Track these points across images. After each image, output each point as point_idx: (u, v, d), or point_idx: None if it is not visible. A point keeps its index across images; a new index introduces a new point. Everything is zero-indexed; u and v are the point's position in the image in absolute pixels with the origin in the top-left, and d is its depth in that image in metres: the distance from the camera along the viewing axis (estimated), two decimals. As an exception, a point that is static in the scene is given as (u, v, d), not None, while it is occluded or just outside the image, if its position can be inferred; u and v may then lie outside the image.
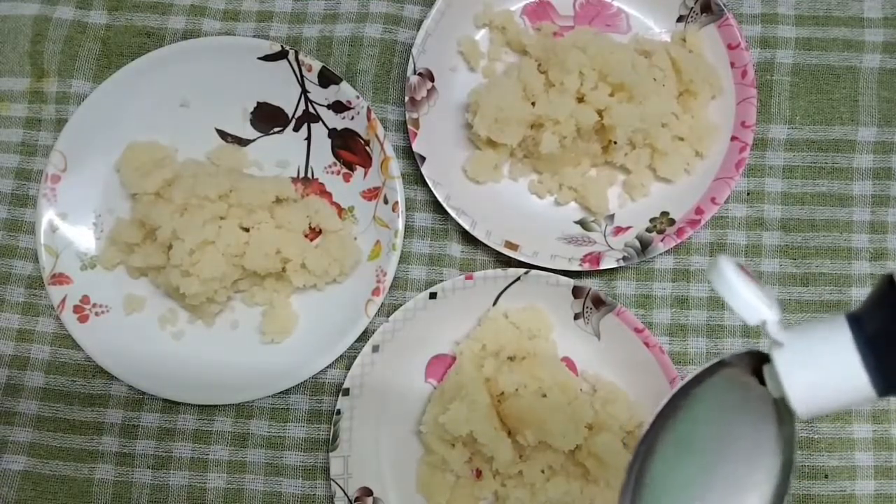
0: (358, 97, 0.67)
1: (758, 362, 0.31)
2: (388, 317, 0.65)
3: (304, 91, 0.69)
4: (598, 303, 0.64)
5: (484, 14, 0.71)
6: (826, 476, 0.65)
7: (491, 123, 0.65)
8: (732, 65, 0.68)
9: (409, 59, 0.67)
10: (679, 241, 0.65)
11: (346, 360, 0.67)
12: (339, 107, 0.68)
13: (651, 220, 0.68)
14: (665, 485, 0.31)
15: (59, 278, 0.66)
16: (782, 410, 0.29)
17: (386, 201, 0.67)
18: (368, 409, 0.64)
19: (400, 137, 0.70)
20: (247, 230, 0.65)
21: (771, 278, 0.68)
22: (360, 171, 0.69)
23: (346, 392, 0.64)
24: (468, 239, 0.68)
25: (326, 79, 0.67)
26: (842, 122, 0.70)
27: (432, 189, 0.65)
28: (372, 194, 0.68)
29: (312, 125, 0.70)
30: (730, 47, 0.68)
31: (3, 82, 0.72)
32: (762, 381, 0.30)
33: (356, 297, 0.66)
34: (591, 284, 0.66)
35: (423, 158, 0.66)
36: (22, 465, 0.66)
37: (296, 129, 0.70)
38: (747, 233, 0.69)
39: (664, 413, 0.32)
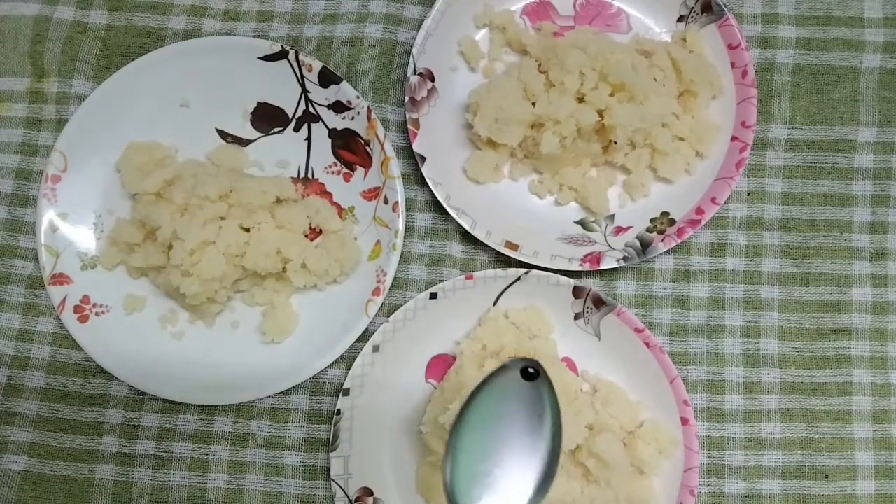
0: (358, 97, 0.67)
1: (526, 366, 0.44)
2: (388, 317, 0.65)
3: (305, 91, 0.69)
4: (599, 303, 0.64)
5: (484, 14, 0.71)
6: (826, 476, 0.65)
7: (491, 123, 0.65)
8: (733, 65, 0.68)
9: (409, 59, 0.67)
10: (679, 241, 0.65)
11: (347, 360, 0.67)
12: (339, 107, 0.68)
13: (651, 220, 0.68)
14: (471, 453, 0.42)
15: (59, 278, 0.66)
16: (542, 390, 0.43)
17: (386, 201, 0.67)
18: (369, 410, 0.64)
19: (400, 137, 0.70)
20: (247, 230, 0.65)
21: (771, 278, 0.68)
22: (360, 171, 0.69)
23: (347, 392, 0.64)
24: (468, 239, 0.68)
25: (327, 79, 0.68)
26: (842, 122, 0.70)
27: (432, 189, 0.65)
28: (372, 194, 0.68)
29: (313, 125, 0.70)
30: (730, 47, 0.68)
31: (3, 82, 0.72)
32: (526, 376, 0.43)
33: (356, 297, 0.66)
34: (592, 284, 0.66)
35: (423, 158, 0.66)
36: (22, 465, 0.66)
37: (296, 129, 0.70)
38: (747, 233, 0.69)
39: (468, 403, 0.44)
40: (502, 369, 0.44)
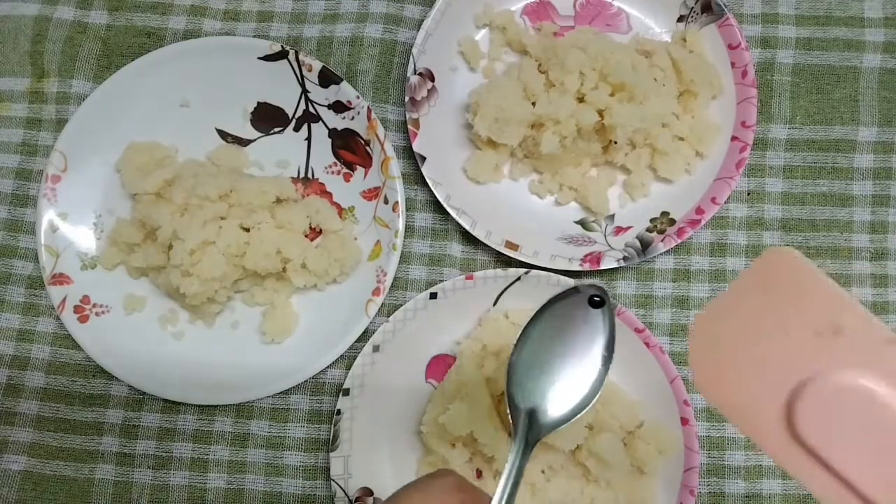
0: (358, 97, 0.67)
1: (594, 294, 0.48)
2: (388, 317, 0.65)
3: (305, 91, 0.69)
4: (599, 303, 0.64)
5: (484, 14, 0.71)
6: (826, 476, 0.65)
7: (491, 123, 0.65)
8: (733, 65, 0.68)
9: (409, 59, 0.67)
10: (679, 241, 0.65)
11: (347, 360, 0.67)
12: (339, 107, 0.68)
13: (651, 220, 0.68)
14: (530, 362, 0.47)
15: (59, 278, 0.66)
16: (606, 318, 0.47)
17: (386, 201, 0.67)
18: (369, 409, 0.64)
19: (400, 137, 0.70)
20: (247, 230, 0.65)
21: (771, 278, 0.68)
22: (360, 171, 0.69)
23: (347, 392, 0.64)
24: (468, 239, 0.68)
25: (327, 79, 0.68)
26: (842, 122, 0.70)
27: (432, 189, 0.65)
28: (372, 194, 0.68)
29: (313, 125, 0.70)
30: (730, 47, 0.68)
31: (3, 82, 0.72)
32: (594, 303, 0.47)
33: (356, 297, 0.66)
34: (592, 284, 0.66)
35: (423, 158, 0.66)
36: (22, 465, 0.66)
37: (296, 129, 0.70)
38: (748, 233, 0.69)
39: (536, 316, 0.48)
40: (572, 291, 0.48)
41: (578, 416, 0.45)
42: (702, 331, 0.35)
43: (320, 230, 0.68)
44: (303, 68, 0.68)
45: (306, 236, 0.68)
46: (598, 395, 0.46)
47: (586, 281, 0.50)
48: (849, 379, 0.32)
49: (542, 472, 0.62)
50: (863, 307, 0.33)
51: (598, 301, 0.47)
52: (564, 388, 0.46)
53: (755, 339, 0.34)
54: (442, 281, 0.66)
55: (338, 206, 0.69)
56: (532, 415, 0.46)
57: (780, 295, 0.34)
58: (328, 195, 0.70)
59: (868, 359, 0.33)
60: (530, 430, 0.45)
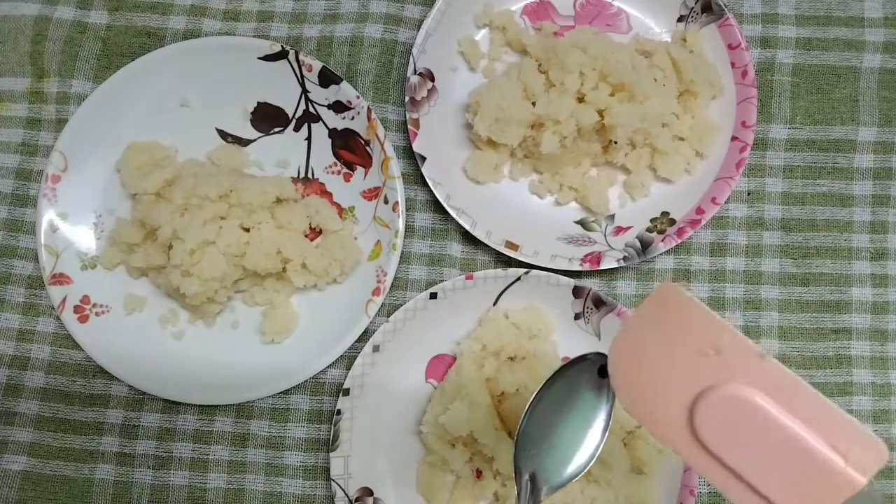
0: (358, 97, 0.67)
1: (604, 360, 0.46)
2: (388, 317, 0.65)
3: (305, 91, 0.69)
4: (599, 303, 0.64)
5: (484, 14, 0.71)
6: (826, 476, 0.65)
7: (491, 123, 0.65)
8: (733, 65, 0.68)
9: (409, 59, 0.67)
10: (679, 241, 0.65)
11: (347, 360, 0.67)
12: (339, 107, 0.68)
13: (651, 220, 0.68)
14: (538, 424, 0.49)
15: (59, 278, 0.66)
16: (609, 389, 0.48)
17: (386, 201, 0.67)
18: (369, 410, 0.64)
19: (400, 137, 0.70)
20: (247, 230, 0.65)
21: (771, 278, 0.68)
22: (360, 171, 0.69)
23: (347, 392, 0.64)
24: (468, 239, 0.68)
25: (327, 79, 0.67)
26: (842, 122, 0.70)
27: (433, 189, 0.65)
28: (372, 194, 0.68)
29: (313, 125, 0.70)
30: (730, 47, 0.68)
31: (3, 82, 0.72)
32: (601, 372, 0.48)
33: (356, 297, 0.66)
34: (592, 284, 0.66)
35: (423, 158, 0.66)
36: (22, 465, 0.66)
37: (296, 129, 0.70)
38: (748, 233, 0.69)
39: (549, 382, 0.50)
40: (583, 359, 0.50)
41: (576, 479, 0.48)
42: (622, 347, 0.41)
43: (320, 230, 0.68)
44: (303, 68, 0.68)
45: (306, 236, 0.68)
46: (594, 461, 0.48)
47: (594, 350, 0.51)
48: (733, 389, 0.38)
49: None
50: (736, 329, 0.39)
51: (607, 371, 0.48)
52: (565, 455, 0.49)
53: (658, 358, 0.40)
54: (442, 281, 0.66)
55: (338, 206, 0.69)
56: (533, 479, 0.49)
57: (669, 324, 0.40)
58: (328, 195, 0.70)
59: (746, 371, 0.39)
60: (532, 493, 0.49)
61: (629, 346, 0.41)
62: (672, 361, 0.40)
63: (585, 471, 0.48)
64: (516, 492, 0.49)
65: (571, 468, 0.48)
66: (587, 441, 0.48)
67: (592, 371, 0.50)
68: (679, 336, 0.40)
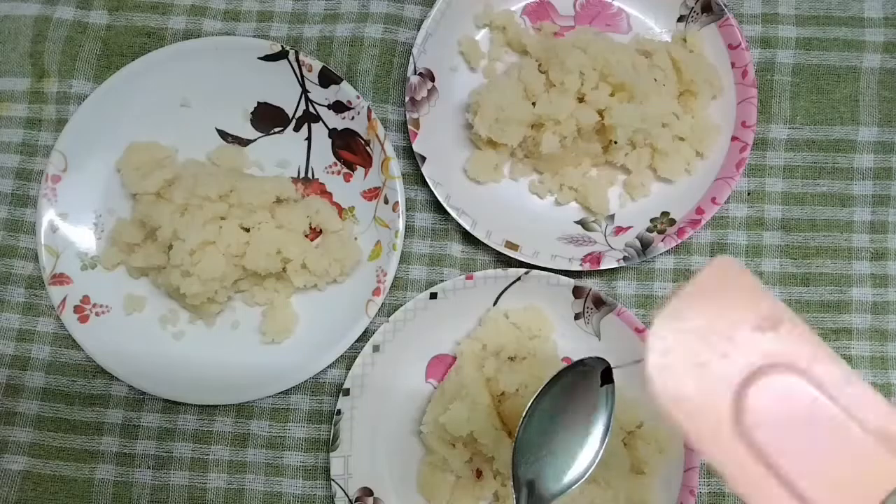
0: (358, 97, 0.67)
1: (603, 365, 0.49)
2: (388, 317, 0.65)
3: (305, 91, 0.69)
4: (599, 303, 0.64)
5: (484, 14, 0.71)
6: (826, 476, 0.65)
7: (491, 123, 0.65)
8: (733, 65, 0.68)
9: (409, 59, 0.67)
10: (680, 241, 0.65)
11: (347, 360, 0.67)
12: (339, 107, 0.68)
13: (651, 220, 0.68)
14: (535, 432, 0.49)
15: (59, 278, 0.66)
16: (608, 396, 0.49)
17: (386, 201, 0.67)
18: (369, 410, 0.64)
19: (400, 137, 0.70)
20: (247, 230, 0.65)
21: (771, 278, 0.68)
22: (360, 171, 0.69)
23: (347, 392, 0.64)
24: (468, 239, 0.68)
25: (327, 79, 0.67)
26: (842, 122, 0.70)
27: (433, 189, 0.65)
28: (372, 194, 0.68)
29: (313, 125, 0.70)
30: (730, 47, 0.68)
31: (3, 82, 0.72)
32: (602, 377, 0.49)
33: (357, 297, 0.66)
34: (592, 284, 0.66)
35: (423, 158, 0.66)
36: (22, 465, 0.66)
37: (296, 129, 0.70)
38: (748, 233, 0.69)
39: (545, 388, 0.50)
40: (581, 364, 0.50)
41: (575, 486, 0.48)
42: (659, 331, 0.37)
43: (320, 230, 0.68)
44: (303, 68, 0.68)
45: (306, 236, 0.68)
46: (594, 468, 0.48)
47: (592, 355, 0.51)
48: (789, 373, 0.35)
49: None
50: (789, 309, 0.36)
51: (607, 378, 0.49)
52: (564, 462, 0.48)
53: (703, 342, 0.37)
54: (442, 281, 0.66)
55: (338, 206, 0.69)
56: (531, 486, 0.48)
57: (724, 298, 0.37)
58: (328, 195, 0.70)
59: (802, 355, 0.35)
60: (531, 501, 0.48)
61: (670, 328, 0.38)
62: (721, 340, 0.36)
63: (585, 478, 0.47)
64: (514, 500, 0.48)
65: (571, 475, 0.48)
66: (586, 448, 0.48)
67: (592, 377, 0.49)
68: (730, 312, 0.37)
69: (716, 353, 0.36)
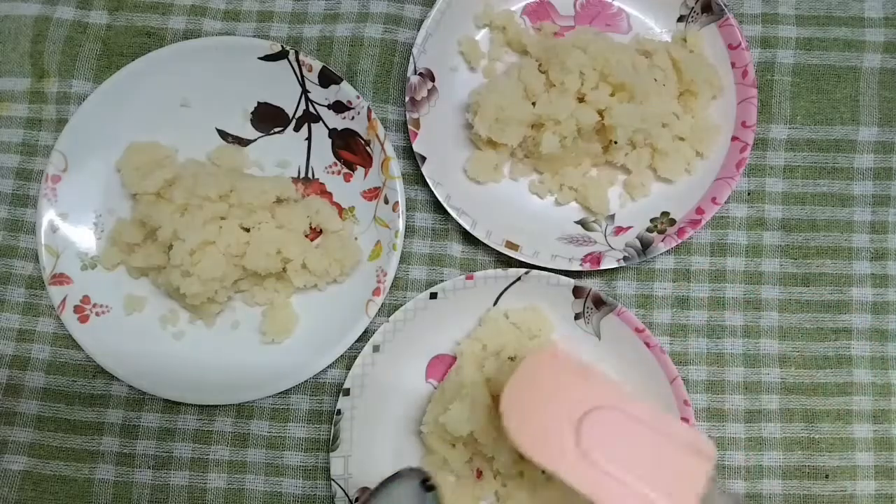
0: (358, 97, 0.67)
1: (421, 476, 0.50)
2: (388, 317, 0.65)
3: (305, 91, 0.69)
4: (599, 303, 0.64)
5: (484, 14, 0.71)
6: (826, 476, 0.65)
7: (491, 123, 0.65)
8: (733, 65, 0.68)
9: (409, 59, 0.67)
10: (680, 241, 0.65)
11: (347, 360, 0.67)
12: (339, 107, 0.68)
13: (652, 220, 0.68)
14: None
15: (59, 278, 0.66)
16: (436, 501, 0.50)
17: (386, 201, 0.67)
18: (369, 410, 0.64)
19: (400, 137, 0.70)
20: (247, 230, 0.65)
21: (771, 278, 0.68)
22: (360, 171, 0.69)
23: (347, 392, 0.64)
24: (469, 239, 0.68)
25: (327, 79, 0.67)
26: (842, 122, 0.70)
27: (433, 189, 0.65)
28: (372, 194, 0.68)
29: (313, 125, 0.70)
30: (730, 47, 0.68)
31: (3, 82, 0.72)
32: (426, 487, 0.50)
33: (357, 297, 0.66)
34: (592, 284, 0.66)
35: (423, 158, 0.66)
36: (22, 465, 0.66)
37: (296, 129, 0.70)
38: (748, 233, 0.69)
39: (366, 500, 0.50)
40: (398, 476, 0.50)
41: None
42: (509, 398, 0.50)
43: (320, 230, 0.68)
44: (303, 68, 0.68)
45: (306, 236, 0.68)
46: None
47: (407, 466, 0.54)
48: (608, 408, 0.49)
49: (543, 472, 0.62)
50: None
51: (430, 485, 0.50)
52: None
53: (542, 401, 0.50)
54: (442, 281, 0.66)
55: (338, 206, 0.69)
56: None
57: (547, 372, 0.51)
58: (328, 195, 0.70)
59: (613, 396, 0.50)
60: None
61: (515, 397, 0.50)
62: (554, 397, 0.50)
63: None
64: None
65: None
66: None
67: (413, 485, 0.50)
68: (556, 376, 0.51)
69: (559, 403, 0.50)
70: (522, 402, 0.50)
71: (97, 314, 0.66)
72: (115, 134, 0.68)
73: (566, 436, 0.48)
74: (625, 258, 0.65)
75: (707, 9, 0.69)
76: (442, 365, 0.67)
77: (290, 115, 0.70)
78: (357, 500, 0.63)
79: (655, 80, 0.66)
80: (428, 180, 0.66)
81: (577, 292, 0.64)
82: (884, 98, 0.70)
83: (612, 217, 0.69)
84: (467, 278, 0.65)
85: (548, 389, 0.50)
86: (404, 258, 0.68)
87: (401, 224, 0.65)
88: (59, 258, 0.67)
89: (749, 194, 0.70)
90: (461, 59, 0.71)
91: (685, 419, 0.62)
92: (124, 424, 0.67)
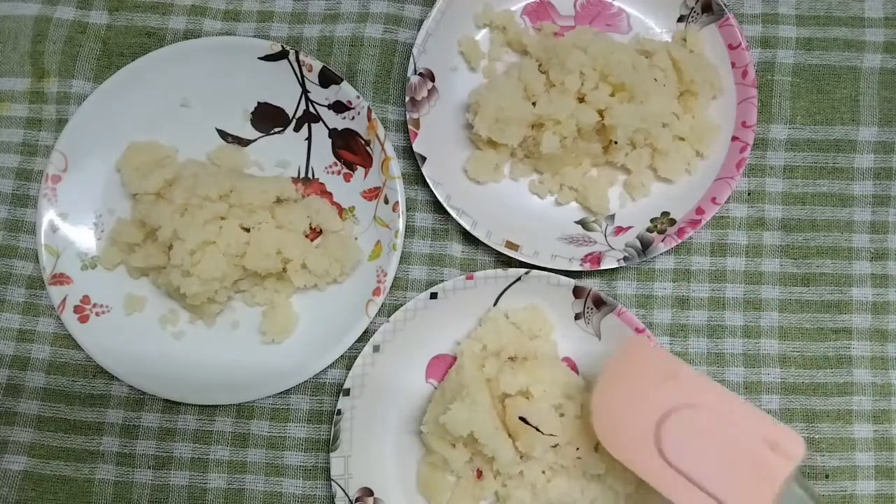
0: (358, 97, 0.67)
1: None
2: (388, 317, 0.65)
3: (305, 91, 0.69)
4: (599, 303, 0.64)
5: (484, 14, 0.71)
6: (827, 476, 0.65)
7: (492, 123, 0.65)
8: (733, 65, 0.68)
9: (409, 59, 0.67)
10: (680, 241, 0.65)
11: (347, 360, 0.67)
12: (339, 107, 0.68)
13: (652, 220, 0.68)
14: None
15: (59, 278, 0.66)
16: None
17: (386, 201, 0.67)
18: (369, 410, 0.64)
19: (400, 137, 0.70)
20: (247, 230, 0.65)
21: (771, 278, 0.68)
22: (360, 171, 0.69)
23: (347, 392, 0.64)
24: (469, 239, 0.68)
25: (327, 79, 0.67)
26: (842, 122, 0.70)
27: (433, 189, 0.65)
28: (372, 194, 0.68)
29: (313, 125, 0.70)
30: (730, 47, 0.68)
31: (3, 82, 0.72)
32: None
33: (357, 297, 0.66)
34: (592, 284, 0.66)
35: (423, 158, 0.66)
36: (22, 465, 0.66)
37: (296, 129, 0.70)
38: (748, 233, 0.69)
39: None
40: None
41: None
42: (600, 397, 0.52)
43: (320, 230, 0.68)
44: (303, 68, 0.68)
45: (306, 236, 0.68)
46: None
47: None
48: (686, 408, 0.50)
49: (543, 472, 0.62)
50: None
51: None
52: None
53: (629, 399, 0.52)
54: (442, 281, 0.66)
55: (338, 206, 0.69)
56: None
57: (636, 368, 0.52)
58: (328, 195, 0.70)
59: (697, 392, 0.51)
60: None
61: (605, 395, 0.52)
62: (640, 397, 0.51)
63: None
64: None
65: None
66: None
67: None
68: (644, 375, 0.51)
69: (636, 409, 0.51)
70: (611, 404, 0.51)
71: (97, 314, 0.66)
72: (115, 134, 0.68)
73: (649, 438, 0.50)
74: (625, 258, 0.65)
75: (707, 9, 0.69)
76: (442, 365, 0.67)
77: (290, 115, 0.70)
78: (358, 499, 0.63)
79: (655, 80, 0.66)
80: (428, 180, 0.66)
81: (577, 292, 0.64)
82: (884, 98, 0.70)
83: (612, 217, 0.69)
84: (467, 278, 0.65)
85: (635, 391, 0.51)
86: (404, 258, 0.68)
87: (401, 224, 0.65)
88: (60, 258, 0.67)
89: (749, 194, 0.70)
90: (461, 59, 0.71)
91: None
92: (124, 424, 0.67)
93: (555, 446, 0.60)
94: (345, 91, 0.67)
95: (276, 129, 0.70)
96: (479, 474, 0.64)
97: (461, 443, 0.62)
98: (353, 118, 0.68)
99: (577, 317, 0.66)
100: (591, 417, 0.51)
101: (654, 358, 0.51)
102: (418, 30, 0.68)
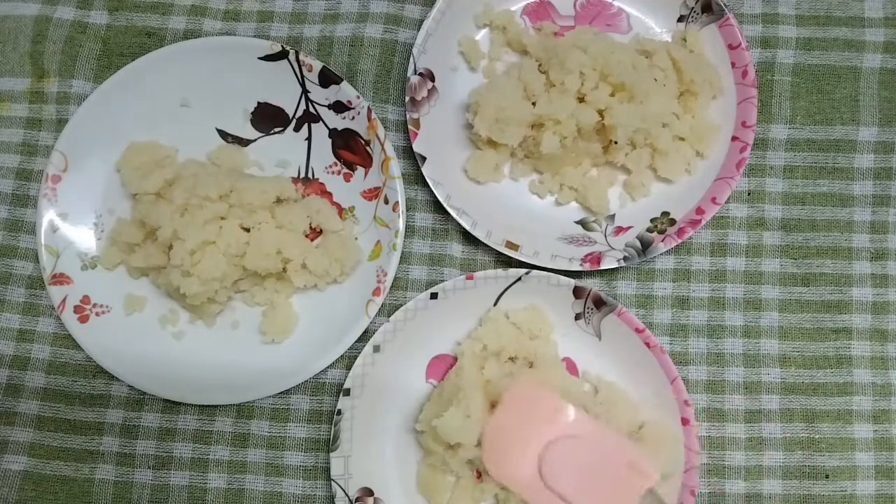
0: (358, 97, 0.67)
1: None
2: (388, 317, 0.65)
3: (305, 91, 0.69)
4: (599, 303, 0.64)
5: (484, 14, 0.71)
6: (827, 476, 0.65)
7: (492, 123, 0.65)
8: (733, 65, 0.68)
9: (409, 59, 0.67)
10: (680, 241, 0.65)
11: (347, 360, 0.67)
12: (339, 107, 0.68)
13: (652, 220, 0.68)
14: None
15: (59, 278, 0.66)
16: None
17: (386, 201, 0.67)
18: (369, 410, 0.64)
19: (400, 137, 0.70)
20: (247, 230, 0.65)
21: (771, 278, 0.68)
22: (360, 171, 0.69)
23: (347, 392, 0.64)
24: (469, 239, 0.68)
25: (327, 79, 0.67)
26: (842, 122, 0.70)
27: (433, 189, 0.65)
28: (372, 194, 0.68)
29: (313, 125, 0.70)
30: (730, 47, 0.68)
31: (3, 82, 0.72)
32: None
33: (357, 297, 0.66)
34: (592, 284, 0.66)
35: (423, 158, 0.66)
36: (22, 465, 0.66)
37: (296, 129, 0.70)
38: (748, 233, 0.69)
39: None
40: None
41: None
42: (490, 434, 0.59)
43: (320, 230, 0.68)
44: (303, 68, 0.68)
45: (306, 236, 0.68)
46: None
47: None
48: (559, 438, 0.59)
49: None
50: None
51: None
52: None
53: (517, 431, 0.59)
54: (442, 281, 0.66)
55: (338, 206, 0.69)
56: None
57: (522, 409, 0.60)
58: (328, 195, 0.70)
59: (569, 425, 0.60)
60: None
61: (496, 430, 0.59)
62: (527, 431, 0.59)
63: None
64: None
65: None
66: None
67: None
68: (531, 413, 0.59)
69: (527, 437, 0.60)
70: (500, 440, 0.59)
71: (97, 314, 0.66)
72: (115, 134, 0.68)
73: (534, 465, 0.59)
74: (625, 258, 0.65)
75: (707, 9, 0.69)
76: (442, 365, 0.67)
77: (290, 115, 0.70)
78: (358, 499, 0.63)
79: (655, 80, 0.66)
80: (428, 180, 0.66)
81: (577, 292, 0.64)
82: (884, 98, 0.70)
83: (612, 217, 0.69)
84: (467, 278, 0.65)
85: (522, 426, 0.59)
86: (404, 258, 0.68)
87: (401, 224, 0.65)
88: (60, 258, 0.67)
89: (749, 194, 0.70)
90: (461, 59, 0.71)
91: (685, 419, 0.62)
92: (124, 424, 0.67)
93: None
94: (345, 91, 0.67)
95: (276, 129, 0.70)
96: (479, 475, 0.64)
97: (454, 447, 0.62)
98: (353, 118, 0.68)
99: (577, 317, 0.66)
100: (482, 450, 0.59)
101: (541, 398, 0.60)
102: (418, 30, 0.68)
